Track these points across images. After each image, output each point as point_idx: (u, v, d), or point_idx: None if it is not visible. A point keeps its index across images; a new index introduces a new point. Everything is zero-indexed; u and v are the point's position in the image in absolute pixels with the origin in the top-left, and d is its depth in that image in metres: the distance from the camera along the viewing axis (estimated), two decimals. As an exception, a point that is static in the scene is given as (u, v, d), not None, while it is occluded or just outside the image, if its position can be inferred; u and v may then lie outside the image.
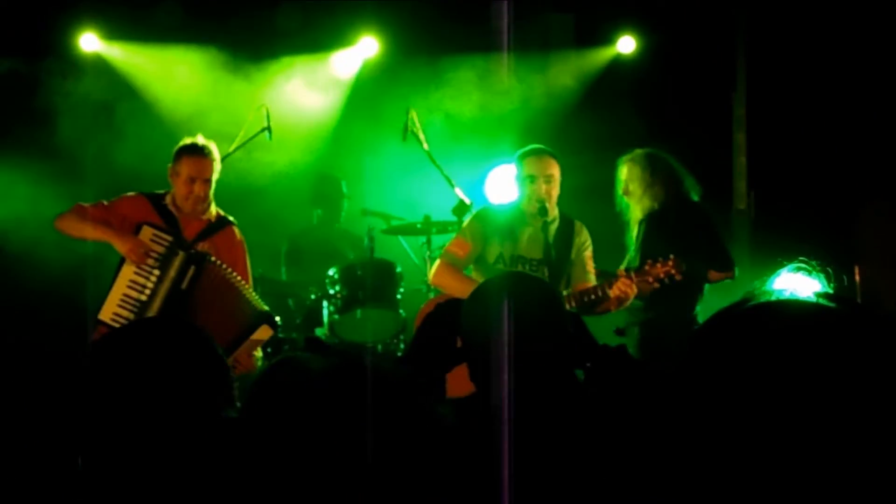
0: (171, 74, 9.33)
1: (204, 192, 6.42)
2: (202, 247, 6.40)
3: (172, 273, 6.21)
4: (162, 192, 6.51)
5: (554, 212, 6.74)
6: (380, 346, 7.85)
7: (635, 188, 7.26)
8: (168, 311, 6.13)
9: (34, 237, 7.74)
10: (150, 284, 6.20)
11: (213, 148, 6.52)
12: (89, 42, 9.32)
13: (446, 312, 3.38)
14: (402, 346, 7.92)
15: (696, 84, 9.50)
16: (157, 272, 6.21)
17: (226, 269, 6.28)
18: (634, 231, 7.25)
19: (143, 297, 6.19)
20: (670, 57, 9.55)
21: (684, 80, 9.49)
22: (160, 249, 6.24)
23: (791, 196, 9.20)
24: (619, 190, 7.41)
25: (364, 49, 9.54)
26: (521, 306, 3.24)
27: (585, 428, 3.13)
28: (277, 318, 6.47)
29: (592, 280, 6.76)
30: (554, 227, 6.73)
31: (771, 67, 9.42)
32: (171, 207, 6.44)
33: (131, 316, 6.13)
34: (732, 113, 9.72)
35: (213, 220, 6.55)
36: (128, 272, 6.20)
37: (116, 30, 9.32)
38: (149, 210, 6.39)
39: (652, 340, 7.03)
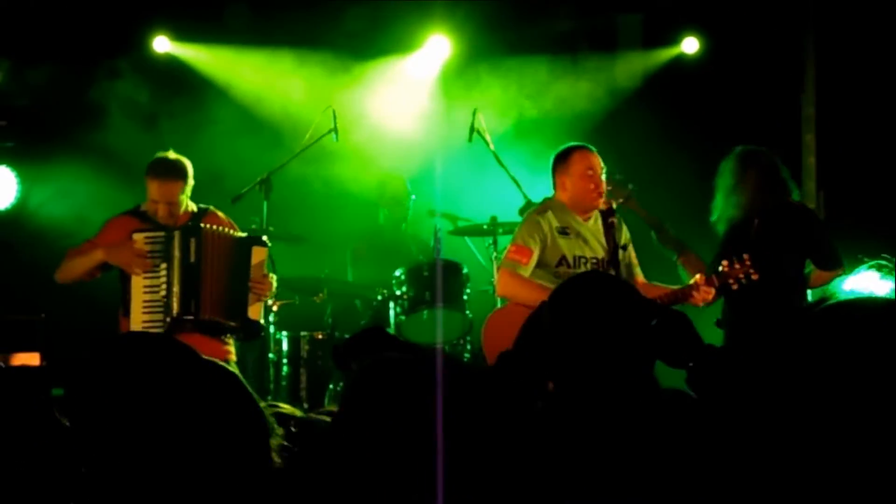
0: (238, 77, 9.39)
1: (169, 212, 6.52)
2: None
3: (178, 253, 6.36)
4: (136, 206, 6.64)
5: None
6: (447, 348, 7.86)
7: (722, 189, 7.03)
8: (188, 290, 6.33)
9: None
10: (161, 280, 6.35)
11: (184, 164, 6.59)
12: (161, 44, 9.40)
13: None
14: (468, 347, 7.92)
15: (764, 84, 9.41)
16: (163, 265, 6.36)
17: (217, 228, 6.51)
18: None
19: (162, 293, 6.34)
20: (739, 56, 9.48)
21: (752, 79, 9.41)
22: (157, 247, 6.38)
23: (861, 196, 9.09)
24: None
25: (435, 50, 9.52)
26: (601, 306, 3.23)
27: (659, 429, 3.12)
28: (265, 241, 6.68)
29: (640, 273, 6.75)
30: (601, 223, 6.68)
31: (840, 67, 9.32)
32: (150, 214, 6.56)
33: (160, 316, 6.31)
34: (801, 113, 9.62)
35: (194, 210, 6.66)
36: (138, 281, 6.35)
37: (187, 31, 9.38)
38: (133, 223, 6.50)
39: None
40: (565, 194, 6.70)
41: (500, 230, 8.04)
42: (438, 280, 7.89)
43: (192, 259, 6.38)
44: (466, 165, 8.82)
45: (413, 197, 9.02)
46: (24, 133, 8.95)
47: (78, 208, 8.45)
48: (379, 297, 8.17)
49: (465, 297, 7.96)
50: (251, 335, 6.74)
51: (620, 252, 6.68)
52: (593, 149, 6.73)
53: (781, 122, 9.55)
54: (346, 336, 7.97)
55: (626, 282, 3.47)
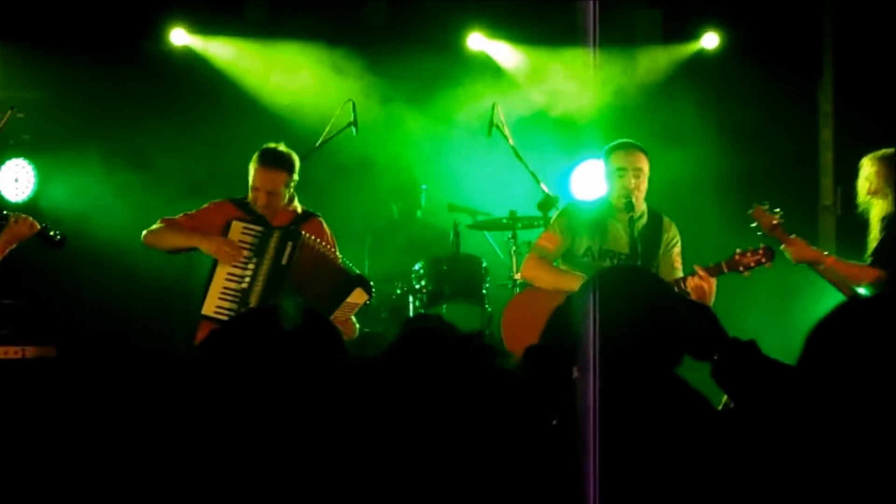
0: (256, 70, 9.35)
1: (268, 202, 6.50)
2: None
3: (272, 252, 6.34)
4: (242, 196, 6.61)
5: (642, 206, 6.74)
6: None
7: (880, 187, 6.79)
8: (270, 290, 6.29)
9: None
10: (248, 273, 6.34)
11: (291, 158, 6.58)
12: (179, 37, 9.34)
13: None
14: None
15: (781, 79, 9.39)
16: (253, 260, 6.35)
17: (319, 241, 6.47)
18: (875, 231, 6.82)
19: (244, 286, 6.33)
20: (756, 51, 9.46)
21: (770, 74, 9.39)
22: (252, 240, 6.37)
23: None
24: (863, 188, 6.90)
25: (458, 43, 9.50)
26: (629, 300, 3.23)
27: (682, 429, 3.11)
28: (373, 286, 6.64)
29: (679, 276, 6.75)
30: (642, 222, 6.74)
31: (859, 61, 9.30)
32: (255, 207, 6.55)
33: (234, 306, 6.29)
34: (818, 108, 9.61)
35: (298, 212, 6.65)
36: (224, 266, 6.34)
37: (206, 24, 9.31)
38: (234, 210, 6.51)
39: None
40: (604, 190, 6.84)
41: (520, 224, 8.05)
42: (457, 274, 7.90)
43: (284, 261, 6.35)
44: (485, 159, 8.82)
45: (424, 186, 9.01)
46: (41, 125, 8.93)
47: (92, 200, 8.45)
48: (398, 291, 8.17)
49: (484, 291, 7.97)
50: None
51: (661, 249, 6.74)
52: (635, 148, 6.77)
53: (799, 117, 9.54)
54: (366, 330, 8.01)
55: (659, 279, 3.46)
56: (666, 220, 6.87)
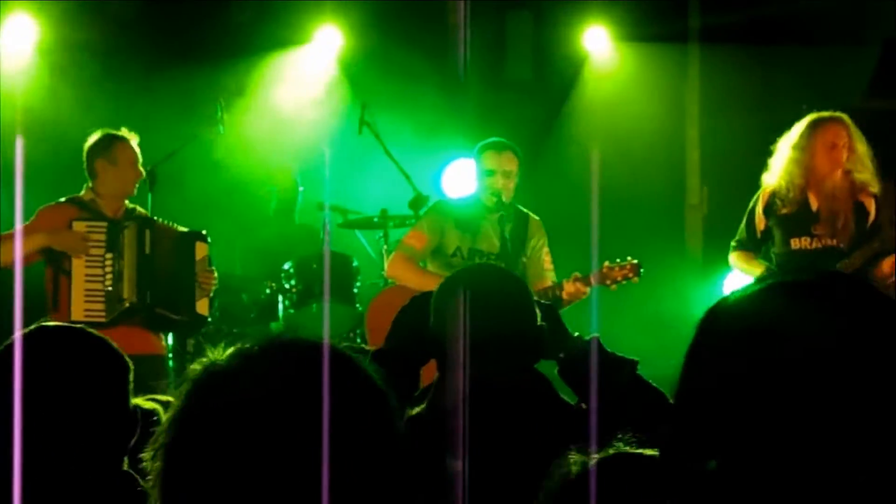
0: (121, 65, 9.11)
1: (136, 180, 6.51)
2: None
3: (133, 243, 6.34)
4: (73, 195, 6.48)
5: (510, 206, 6.75)
6: (337, 341, 7.78)
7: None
8: (142, 280, 6.32)
9: None
10: (108, 268, 6.30)
11: None
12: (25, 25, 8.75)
13: (422, 304, 3.34)
14: (358, 340, 7.88)
15: (652, 78, 9.53)
16: (109, 255, 6.31)
17: (164, 222, 6.56)
18: None
19: (108, 282, 6.30)
20: (625, 48, 9.59)
21: (638, 72, 9.53)
22: (100, 236, 6.32)
23: (744, 191, 9.25)
24: None
25: (325, 42, 9.44)
26: (490, 298, 3.23)
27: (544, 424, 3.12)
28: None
29: (551, 276, 6.77)
30: (510, 221, 6.73)
31: (724, 61, 9.48)
32: (92, 204, 6.44)
33: (102, 306, 6.27)
34: (685, 108, 9.77)
35: (129, 207, 6.59)
36: (80, 270, 6.27)
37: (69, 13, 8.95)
38: (72, 211, 6.39)
39: None
40: (474, 188, 6.81)
41: (391, 223, 8.05)
42: (327, 273, 7.87)
43: (147, 250, 6.36)
44: (356, 158, 8.80)
45: (301, 189, 8.95)
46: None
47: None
48: (267, 291, 8.10)
49: (355, 291, 7.95)
50: (195, 329, 6.93)
51: (528, 249, 6.74)
52: (505, 148, 6.74)
53: (666, 115, 9.69)
54: (235, 330, 7.92)
55: (515, 276, 3.46)
56: (532, 220, 6.87)
